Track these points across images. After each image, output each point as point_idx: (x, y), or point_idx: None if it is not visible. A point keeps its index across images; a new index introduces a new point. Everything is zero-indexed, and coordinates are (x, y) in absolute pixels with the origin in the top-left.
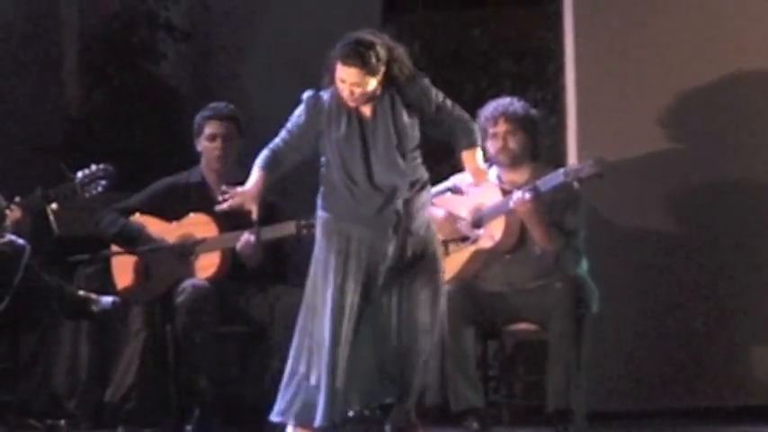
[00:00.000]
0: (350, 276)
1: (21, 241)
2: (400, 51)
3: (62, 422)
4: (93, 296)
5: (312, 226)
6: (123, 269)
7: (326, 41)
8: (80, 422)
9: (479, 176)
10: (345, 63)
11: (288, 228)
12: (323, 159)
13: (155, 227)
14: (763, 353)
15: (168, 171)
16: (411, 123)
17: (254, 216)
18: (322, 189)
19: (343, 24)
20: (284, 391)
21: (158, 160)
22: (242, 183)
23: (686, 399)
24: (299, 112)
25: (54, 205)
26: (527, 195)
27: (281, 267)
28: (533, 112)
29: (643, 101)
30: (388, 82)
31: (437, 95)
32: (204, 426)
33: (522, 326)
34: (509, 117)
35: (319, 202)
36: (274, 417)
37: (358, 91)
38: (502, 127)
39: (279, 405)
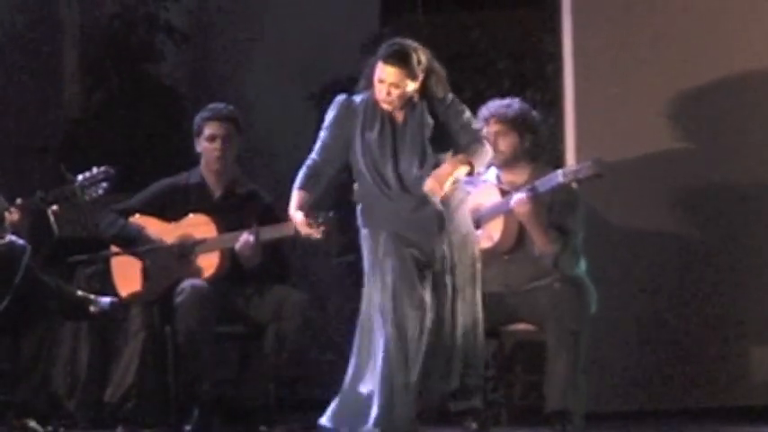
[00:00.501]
0: (405, 279)
1: (21, 242)
2: (438, 67)
3: (61, 430)
4: (93, 297)
5: (312, 225)
6: (123, 270)
7: (326, 42)
8: (79, 422)
9: (433, 181)
10: (387, 62)
11: (287, 228)
12: (355, 171)
13: (154, 227)
14: (761, 353)
15: (168, 172)
16: (438, 135)
17: (318, 235)
18: (360, 206)
19: (342, 25)
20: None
21: (158, 161)
22: (240, 183)
23: (685, 399)
24: (330, 120)
25: (54, 207)
26: (525, 196)
27: (280, 268)
28: (531, 113)
29: (641, 101)
30: (423, 93)
31: (465, 115)
32: (203, 426)
33: (521, 326)
34: (499, 118)
35: (360, 220)
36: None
37: (396, 92)
38: (492, 128)
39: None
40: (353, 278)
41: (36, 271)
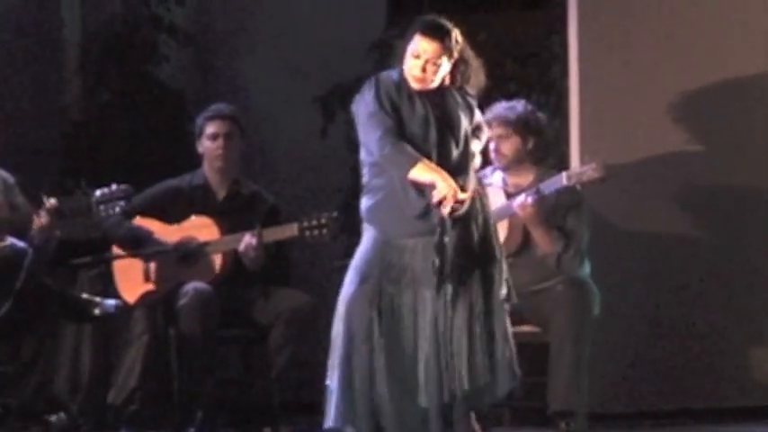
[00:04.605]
0: (407, 285)
1: (22, 244)
2: (471, 56)
3: (62, 414)
4: (96, 299)
5: (314, 227)
6: (125, 272)
7: (332, 44)
8: (82, 425)
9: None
10: (425, 35)
11: (290, 230)
12: (369, 160)
13: (156, 229)
14: (763, 354)
15: (170, 173)
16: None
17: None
18: (372, 201)
19: (347, 27)
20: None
21: (160, 163)
22: (244, 184)
23: (687, 400)
24: (377, 101)
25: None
26: (530, 199)
27: (283, 270)
28: (536, 115)
29: (646, 104)
30: (451, 80)
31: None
32: (207, 428)
33: (524, 328)
34: (501, 121)
35: (366, 215)
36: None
37: (431, 69)
38: (495, 131)
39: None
40: None
41: (38, 274)
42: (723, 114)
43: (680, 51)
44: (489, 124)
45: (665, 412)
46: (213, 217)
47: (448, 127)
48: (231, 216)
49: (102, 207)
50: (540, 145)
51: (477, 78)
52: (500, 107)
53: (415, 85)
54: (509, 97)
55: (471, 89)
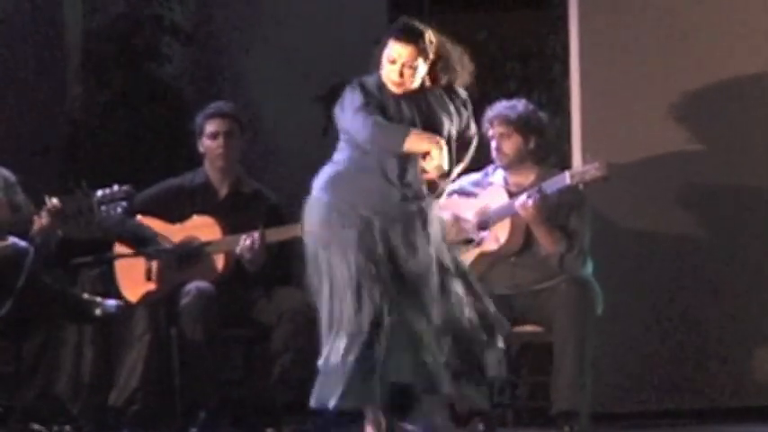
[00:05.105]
0: (374, 252)
1: (23, 244)
2: (450, 49)
3: (67, 428)
4: (98, 299)
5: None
6: (126, 272)
7: (333, 43)
8: (84, 426)
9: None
10: (399, 40)
11: (293, 230)
12: (345, 143)
13: (158, 228)
14: (765, 354)
15: (172, 173)
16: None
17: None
18: (335, 171)
19: (349, 26)
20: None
21: (162, 162)
22: (245, 182)
23: (691, 400)
24: (360, 99)
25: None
26: (532, 198)
27: (285, 270)
28: (538, 114)
29: (648, 103)
30: (432, 81)
31: (470, 113)
32: (209, 429)
33: (527, 328)
34: (502, 120)
35: (324, 184)
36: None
37: (408, 73)
38: (496, 130)
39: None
40: None
41: (39, 274)
42: (724, 113)
43: (681, 50)
44: (491, 123)
45: (668, 412)
46: (215, 216)
47: (431, 130)
48: (233, 215)
49: (103, 208)
50: (542, 144)
51: (463, 71)
52: (501, 106)
53: (394, 90)
54: (509, 96)
55: (460, 87)
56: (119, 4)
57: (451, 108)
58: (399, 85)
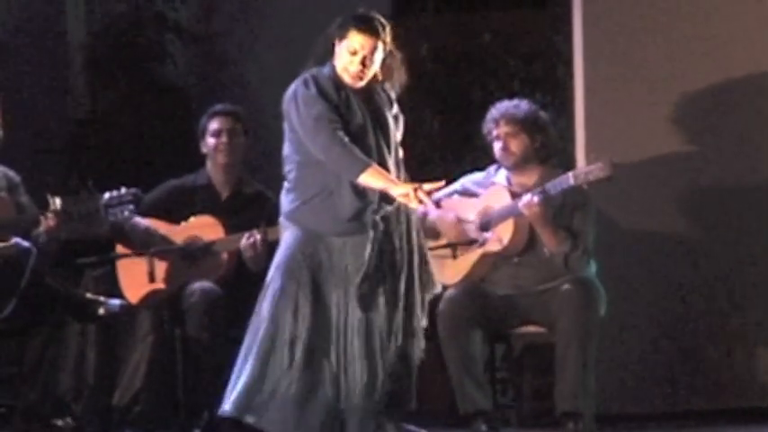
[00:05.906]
0: (330, 289)
1: (26, 244)
2: (395, 49)
3: (68, 419)
4: (101, 299)
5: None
6: (129, 272)
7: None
8: (87, 426)
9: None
10: (362, 31)
11: None
12: (298, 159)
13: (161, 229)
14: (766, 355)
15: (175, 173)
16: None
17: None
18: (299, 201)
19: None
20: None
21: (166, 162)
22: (247, 183)
23: (694, 401)
24: (313, 94)
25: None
26: (536, 198)
27: None
28: (541, 114)
29: (652, 103)
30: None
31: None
32: (212, 429)
33: (531, 328)
34: (509, 119)
35: (291, 214)
36: None
37: (369, 65)
38: (502, 129)
39: None
40: None
41: (42, 274)
42: (728, 114)
43: (686, 50)
44: (496, 122)
45: (671, 413)
46: (217, 216)
47: (379, 125)
48: (235, 215)
49: (110, 211)
50: (546, 144)
51: (399, 73)
52: (505, 105)
53: (351, 83)
54: (513, 96)
55: (390, 85)
56: (122, 3)
57: (394, 110)
58: (358, 77)
